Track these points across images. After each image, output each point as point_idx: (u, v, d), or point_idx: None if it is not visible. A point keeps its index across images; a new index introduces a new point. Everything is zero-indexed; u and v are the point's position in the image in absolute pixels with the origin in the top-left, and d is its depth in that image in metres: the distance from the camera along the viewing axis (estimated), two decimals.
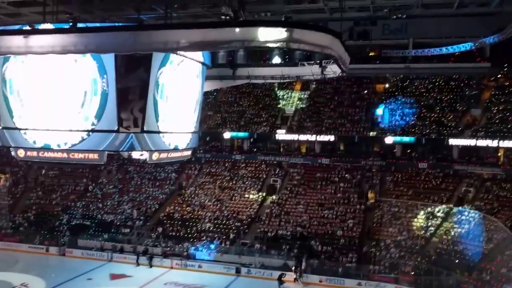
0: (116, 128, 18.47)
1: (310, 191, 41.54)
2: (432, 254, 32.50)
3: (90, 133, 18.73)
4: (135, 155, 20.82)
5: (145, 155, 20.33)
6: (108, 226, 40.07)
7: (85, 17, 22.73)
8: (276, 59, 27.71)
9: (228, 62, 30.41)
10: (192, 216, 40.47)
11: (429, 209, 36.53)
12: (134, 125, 18.64)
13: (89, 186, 46.68)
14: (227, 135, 48.33)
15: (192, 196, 43.20)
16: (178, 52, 19.23)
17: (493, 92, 45.46)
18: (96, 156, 19.12)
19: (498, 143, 39.37)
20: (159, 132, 20.14)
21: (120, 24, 22.59)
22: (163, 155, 21.23)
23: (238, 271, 32.90)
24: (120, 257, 35.77)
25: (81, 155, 19.09)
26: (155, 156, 20.42)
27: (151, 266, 34.27)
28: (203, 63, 24.30)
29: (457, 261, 30.88)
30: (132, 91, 18.56)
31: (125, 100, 18.51)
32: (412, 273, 30.52)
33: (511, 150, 39.80)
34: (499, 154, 40.97)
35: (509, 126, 40.61)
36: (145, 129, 18.80)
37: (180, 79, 21.84)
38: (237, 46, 18.39)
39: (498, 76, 46.67)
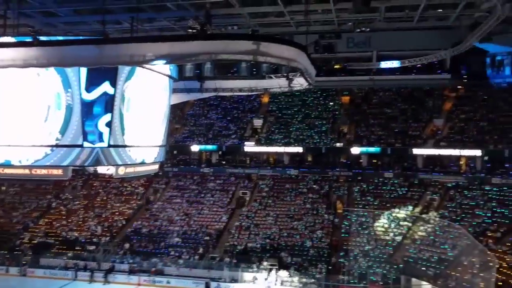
0: (81, 143, 18.10)
1: (279, 203, 41.64)
2: (400, 263, 33.00)
3: (54, 148, 18.27)
4: (101, 170, 20.47)
5: (111, 170, 19.99)
6: (72, 243, 38.88)
7: (47, 30, 22.28)
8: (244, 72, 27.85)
9: (195, 75, 30.38)
10: (160, 231, 39.80)
11: (395, 218, 37.15)
12: (99, 140, 18.31)
13: (53, 203, 45.29)
14: (195, 148, 48.02)
15: (160, 210, 42.54)
16: (144, 65, 19.08)
17: (454, 103, 46.98)
18: (60, 171, 18.67)
19: (460, 152, 40.64)
20: (125, 146, 19.84)
21: (84, 37, 22.25)
22: (130, 170, 20.92)
23: (207, 286, 32.44)
24: (85, 275, 34.67)
25: (44, 171, 18.59)
26: (121, 170, 20.10)
27: (105, 283, 33.48)
28: (170, 76, 24.18)
29: (423, 268, 31.45)
30: (98, 105, 18.26)
31: (90, 114, 18.19)
32: (381, 282, 30.85)
33: (472, 158, 41.06)
34: (461, 163, 42.26)
35: (470, 135, 41.95)
36: (111, 143, 18.50)
37: (146, 92, 21.64)
38: (204, 59, 18.39)
39: (458, 87, 48.37)
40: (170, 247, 37.44)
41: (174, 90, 26.99)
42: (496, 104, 44.36)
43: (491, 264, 20.06)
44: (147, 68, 20.46)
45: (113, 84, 18.18)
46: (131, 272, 34.59)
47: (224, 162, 48.44)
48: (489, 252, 22.90)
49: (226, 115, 51.70)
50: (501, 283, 25.87)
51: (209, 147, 48.29)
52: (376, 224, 37.00)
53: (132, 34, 20.51)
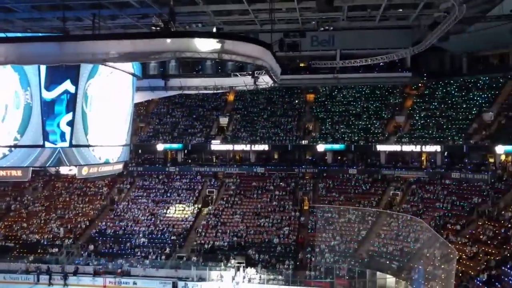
0: (41, 143, 17.62)
1: (246, 201, 41.72)
2: (365, 257, 33.69)
3: (13, 148, 17.68)
4: (63, 170, 20.01)
5: (74, 170, 19.57)
6: (33, 246, 37.74)
7: (5, 26, 21.55)
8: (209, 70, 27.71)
9: (159, 73, 30.02)
10: (125, 231, 39.17)
11: (360, 213, 37.90)
12: (61, 139, 17.87)
13: (12, 205, 43.83)
14: (160, 147, 47.48)
15: (125, 211, 41.86)
16: (107, 63, 18.73)
17: (414, 100, 48.26)
18: (19, 172, 18.12)
19: (421, 148, 41.81)
20: (88, 146, 19.44)
21: (44, 34, 21.65)
22: (94, 170, 20.53)
23: (175, 286, 32.20)
24: (48, 279, 33.73)
25: (2, 172, 18.01)
26: (84, 170, 19.71)
27: (65, 286, 32.77)
28: (133, 74, 23.84)
29: (387, 262, 32.23)
30: (59, 103, 17.81)
31: (51, 113, 17.73)
32: (347, 277, 31.42)
33: (433, 154, 42.32)
34: (422, 158, 43.47)
35: (431, 131, 43.23)
36: (73, 143, 18.10)
37: (110, 90, 21.27)
38: (168, 57, 18.22)
39: (419, 85, 49.73)
40: (136, 248, 36.93)
41: (138, 89, 26.65)
42: (454, 101, 45.85)
43: (451, 256, 20.77)
44: (110, 66, 20.09)
45: (75, 83, 17.79)
46: (96, 274, 33.93)
47: (190, 161, 48.12)
48: (449, 244, 23.69)
49: (191, 114, 51.34)
50: (461, 274, 26.85)
51: (175, 146, 47.86)
52: (342, 219, 37.63)
53: (94, 31, 20.09)
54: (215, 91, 37.47)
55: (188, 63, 45.96)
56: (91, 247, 37.09)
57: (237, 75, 29.81)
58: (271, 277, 32.29)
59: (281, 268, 33.26)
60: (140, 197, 43.46)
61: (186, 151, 48.65)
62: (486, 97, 44.29)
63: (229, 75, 30.58)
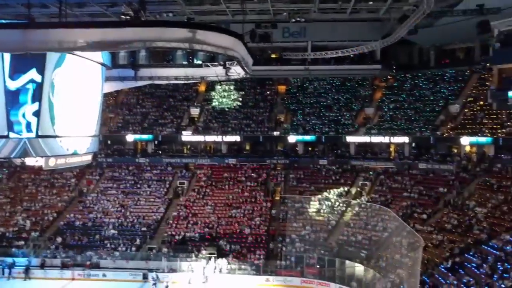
0: (6, 134, 17.10)
1: (217, 192, 41.70)
2: (335, 246, 34.27)
3: None
4: (29, 161, 19.47)
5: (40, 161, 19.09)
6: None
7: None
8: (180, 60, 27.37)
9: (129, 62, 29.52)
10: (94, 223, 38.61)
11: (330, 203, 38.46)
12: (27, 130, 17.39)
13: None
14: (130, 138, 46.86)
15: (94, 202, 41.20)
16: (75, 52, 18.30)
17: (383, 92, 49.07)
18: None
19: (390, 139, 42.64)
20: (55, 137, 19.00)
21: (7, 21, 20.92)
22: (61, 161, 20.09)
23: (145, 277, 32.00)
24: (14, 272, 32.98)
25: None
26: (52, 162, 19.25)
27: (26, 279, 32.15)
28: (102, 64, 23.37)
29: (356, 250, 32.87)
30: (24, 93, 17.29)
31: (16, 103, 17.20)
32: (317, 266, 31.90)
33: (401, 145, 43.20)
34: (390, 149, 44.35)
35: (399, 123, 44.09)
36: (39, 133, 17.63)
37: (78, 80, 20.80)
38: (138, 47, 17.95)
39: (388, 77, 50.56)
40: (105, 240, 36.48)
41: (107, 78, 26.14)
42: (422, 93, 46.85)
43: (418, 244, 21.37)
44: (78, 55, 19.63)
45: (41, 72, 17.29)
46: (64, 266, 33.38)
47: (160, 152, 47.70)
48: (416, 233, 24.35)
49: (161, 104, 50.78)
50: (426, 262, 27.67)
51: (145, 136, 47.31)
52: (312, 209, 38.12)
53: (60, 19, 19.53)
54: (186, 82, 37.19)
55: (158, 53, 45.34)
56: (59, 239, 36.43)
57: (209, 66, 29.55)
58: (242, 267, 32.48)
59: (252, 258, 33.48)
60: (109, 189, 42.85)
61: (156, 142, 48.16)
62: (452, 90, 45.43)
63: (200, 66, 30.29)
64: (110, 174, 44.87)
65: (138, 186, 42.95)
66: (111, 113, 49.84)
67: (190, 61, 30.59)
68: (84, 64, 21.10)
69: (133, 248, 35.33)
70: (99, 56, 22.34)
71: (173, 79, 32.48)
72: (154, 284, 30.41)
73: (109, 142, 47.85)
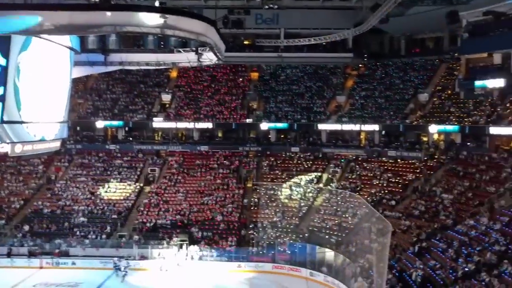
0: None
1: (189, 179, 41.51)
2: (306, 232, 34.72)
3: None
4: None
5: (6, 148, 18.56)
6: None
7: None
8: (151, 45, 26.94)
9: (99, 47, 28.89)
10: (63, 211, 37.92)
11: (301, 190, 38.86)
12: None
13: None
14: (99, 124, 46.02)
15: (63, 190, 40.40)
16: (41, 35, 17.77)
17: (355, 80, 49.60)
18: None
19: (360, 127, 43.24)
20: (22, 122, 18.50)
21: None
22: (28, 147, 19.60)
23: (116, 265, 31.67)
24: None
25: None
26: (18, 148, 18.76)
27: None
28: (71, 48, 22.81)
29: (327, 236, 33.41)
30: None
31: None
32: (288, 251, 32.28)
33: (371, 133, 43.87)
34: (361, 137, 44.99)
35: (369, 111, 44.70)
36: (5, 119, 17.13)
37: (45, 64, 20.25)
38: (108, 31, 17.57)
39: (359, 66, 51.11)
40: (75, 227, 35.92)
41: (76, 63, 25.53)
42: (392, 82, 47.57)
43: (386, 229, 21.84)
44: (44, 39, 19.06)
45: (5, 55, 16.73)
46: (32, 255, 32.73)
47: (131, 139, 47.04)
48: (385, 219, 24.88)
49: (132, 90, 49.97)
50: (394, 247, 28.38)
51: (115, 123, 46.53)
52: (283, 196, 38.45)
53: (26, 1, 18.87)
54: (157, 67, 36.66)
55: (129, 37, 44.48)
56: (26, 227, 35.66)
57: (180, 51, 29.22)
58: (214, 254, 32.58)
59: (224, 245, 33.60)
60: (79, 176, 42.07)
61: (127, 128, 47.44)
62: (421, 79, 46.31)
63: (172, 51, 29.90)
64: (79, 161, 44.04)
65: (109, 173, 42.33)
66: (80, 99, 48.76)
67: (162, 46, 30.18)
68: (52, 48, 20.53)
69: (104, 236, 34.92)
70: (67, 40, 21.77)
71: (144, 65, 32.01)
72: (118, 269, 30.17)
73: (78, 128, 46.88)
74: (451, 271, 23.45)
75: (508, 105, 36.25)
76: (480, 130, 36.34)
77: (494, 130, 34.69)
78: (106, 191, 39.84)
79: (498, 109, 36.26)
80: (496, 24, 36.37)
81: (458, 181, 33.16)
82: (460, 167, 35.05)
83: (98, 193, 39.67)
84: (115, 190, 40.12)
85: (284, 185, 39.27)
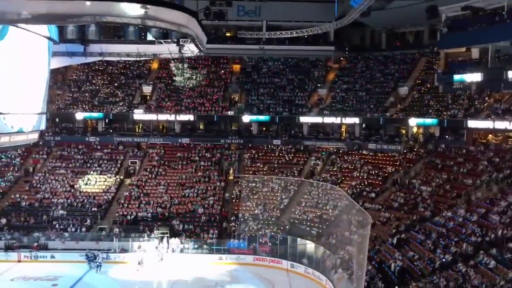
0: None
1: (170, 171, 41.29)
2: (287, 224, 34.94)
3: None
4: None
5: None
6: None
7: None
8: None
9: (78, 37, 28.41)
10: (41, 204, 37.37)
11: (283, 182, 39.02)
12: None
13: None
14: (79, 115, 45.40)
15: (41, 182, 39.79)
16: (18, 24, 17.39)
17: (336, 74, 49.86)
18: None
19: (341, 120, 43.54)
20: None
21: None
22: (5, 139, 19.25)
23: (95, 257, 31.34)
24: None
25: None
26: None
27: None
28: (49, 38, 22.38)
29: (308, 228, 33.69)
30: None
31: None
32: (269, 244, 32.46)
33: (352, 126, 44.24)
34: (342, 130, 45.33)
35: (350, 104, 45.03)
36: None
37: (22, 54, 19.84)
38: (88, 21, 17.31)
39: (341, 59, 51.38)
40: (54, 220, 35.45)
41: (55, 54, 25.13)
42: (373, 75, 47.97)
43: (366, 221, 22.12)
44: (22, 28, 18.66)
45: None
46: (9, 248, 32.18)
47: (111, 131, 46.52)
48: (365, 211, 25.18)
49: (112, 81, 49.35)
50: (374, 238, 28.78)
51: (95, 114, 45.96)
52: (265, 189, 38.57)
53: None
54: (138, 59, 36.24)
55: (109, 28, 43.86)
56: (3, 220, 35.04)
57: (162, 43, 28.95)
58: (195, 246, 32.55)
59: (205, 237, 33.60)
60: (58, 168, 41.45)
61: (107, 120, 46.91)
62: (402, 72, 46.79)
63: (153, 42, 29.60)
64: (58, 153, 43.37)
65: (88, 165, 41.82)
66: (59, 90, 47.98)
67: (143, 37, 29.85)
68: (29, 38, 20.11)
69: (83, 229, 34.55)
70: (46, 29, 21.36)
71: (124, 56, 31.64)
72: (91, 260, 29.99)
73: (57, 120, 46.16)
74: (429, 262, 23.91)
75: (486, 98, 36.93)
76: (458, 123, 36.96)
77: (471, 123, 35.32)
78: (86, 184, 39.39)
79: (476, 103, 36.91)
80: (474, 19, 36.92)
81: (437, 174, 33.71)
82: (438, 160, 35.63)
83: (77, 185, 39.20)
84: (95, 183, 39.70)
85: (266, 178, 39.38)
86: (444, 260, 23.23)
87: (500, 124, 32.73)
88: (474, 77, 37.24)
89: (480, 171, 30.99)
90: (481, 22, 36.49)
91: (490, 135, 36.13)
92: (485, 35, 35.91)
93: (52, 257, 31.60)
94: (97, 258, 30.13)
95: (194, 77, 39.96)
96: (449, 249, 23.96)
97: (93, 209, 36.84)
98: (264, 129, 46.80)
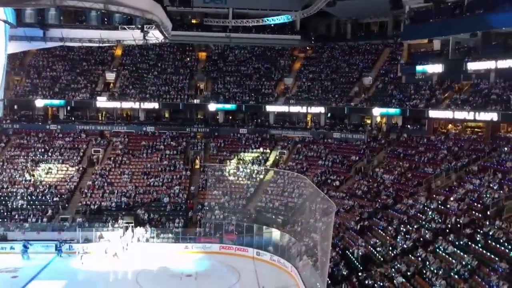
0: None
1: (135, 160, 40.66)
2: (253, 213, 35.12)
3: None
4: None
5: None
6: None
7: None
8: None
9: (37, 21, 27.47)
10: (0, 194, 36.14)
11: (249, 171, 39.13)
12: None
13: None
14: (39, 103, 43.99)
15: None
16: None
17: (302, 63, 50.13)
18: None
19: (307, 109, 43.89)
20: None
21: None
22: None
23: (58, 248, 30.67)
24: None
25: None
26: None
27: None
28: (5, 21, 21.47)
29: (273, 216, 33.97)
30: None
31: None
32: (235, 232, 32.55)
33: (317, 115, 44.67)
34: (307, 119, 45.73)
35: (316, 93, 45.42)
36: None
37: None
38: (47, 4, 16.67)
39: (307, 48, 51.64)
40: (13, 211, 34.36)
41: (12, 38, 24.15)
42: (338, 65, 48.49)
43: (331, 209, 22.48)
44: None
45: None
46: None
47: (73, 118, 45.35)
48: (329, 199, 25.56)
49: (74, 68, 47.96)
50: (338, 226, 29.34)
51: (56, 102, 44.66)
52: (232, 177, 38.57)
53: None
54: (100, 45, 35.33)
55: (70, 12, 42.49)
56: None
57: (125, 29, 28.32)
58: (161, 235, 32.28)
59: (171, 226, 33.37)
60: (17, 157, 40.10)
61: (69, 107, 45.67)
62: (366, 62, 47.49)
63: (116, 28, 28.91)
64: (17, 141, 41.92)
65: (49, 154, 40.62)
66: (17, 76, 46.29)
67: (106, 23, 29.12)
68: None
69: (45, 219, 33.66)
70: (1, 12, 20.47)
71: (86, 42, 30.82)
72: (60, 250, 29.48)
73: (15, 107, 44.62)
74: (391, 248, 24.57)
75: (446, 89, 37.98)
76: (419, 113, 37.94)
77: (432, 113, 36.33)
78: (47, 173, 38.31)
79: (437, 94, 37.92)
80: (436, 11, 37.81)
81: (399, 162, 34.57)
82: (400, 149, 36.52)
83: (38, 175, 38.08)
84: (57, 172, 38.68)
85: (232, 167, 39.37)
86: (405, 246, 23.91)
87: (459, 114, 33.84)
88: (436, 68, 38.26)
89: (440, 159, 31.98)
90: (443, 14, 37.43)
91: (450, 125, 37.31)
92: (446, 27, 36.86)
93: (12, 248, 30.65)
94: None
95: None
96: (410, 235, 24.67)
97: (54, 199, 35.91)
98: (230, 118, 46.68)
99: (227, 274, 27.56)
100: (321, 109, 43.63)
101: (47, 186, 37.03)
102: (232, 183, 38.27)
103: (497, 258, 19.10)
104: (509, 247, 19.32)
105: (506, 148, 28.92)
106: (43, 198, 36.03)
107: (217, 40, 50.45)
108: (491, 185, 25.33)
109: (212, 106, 44.88)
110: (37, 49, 43.27)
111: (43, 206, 35.05)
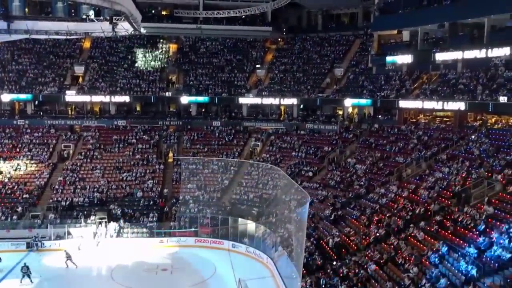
0: None
1: (106, 155, 40.03)
2: (227, 205, 35.12)
3: None
4: None
5: None
6: None
7: None
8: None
9: (1, 13, 26.60)
10: None
11: (223, 163, 39.05)
12: None
13: None
14: (5, 97, 42.81)
15: None
16: None
17: (274, 55, 50.16)
18: None
19: (280, 100, 44.00)
20: None
21: None
22: None
23: (29, 246, 30.04)
24: None
25: None
26: None
27: None
28: None
29: (248, 208, 34.04)
30: None
31: None
32: (210, 225, 32.49)
33: (290, 107, 44.85)
34: (280, 111, 45.85)
35: (288, 85, 45.57)
36: None
37: None
38: None
39: (278, 40, 51.67)
40: None
41: None
42: (310, 56, 48.72)
43: (305, 200, 22.66)
44: None
45: None
46: None
47: (41, 113, 44.28)
48: (303, 190, 25.74)
49: (41, 61, 46.72)
50: (312, 216, 29.63)
51: (23, 96, 43.49)
52: (206, 170, 38.42)
53: None
54: (68, 37, 34.47)
55: (35, 3, 41.30)
56: None
57: (94, 20, 27.71)
58: (135, 230, 31.96)
59: (145, 221, 33.06)
60: None
61: (37, 102, 44.56)
62: (337, 54, 47.86)
63: (84, 20, 28.26)
64: None
65: (17, 150, 39.61)
66: None
67: (73, 14, 28.44)
68: None
69: (15, 217, 32.83)
70: None
71: (53, 34, 30.00)
72: (34, 244, 28.96)
73: None
74: (364, 236, 24.99)
75: (415, 79, 38.65)
76: (390, 103, 38.51)
77: (402, 103, 36.93)
78: (15, 170, 37.33)
79: (406, 84, 38.57)
80: (405, 2, 38.36)
81: (370, 152, 35.09)
82: (372, 139, 37.06)
83: (6, 171, 37.06)
84: (26, 168, 37.73)
85: (206, 159, 39.21)
86: (378, 234, 24.35)
87: (429, 104, 34.51)
88: (405, 59, 38.85)
89: (411, 149, 32.60)
90: (411, 5, 38.00)
91: (420, 115, 38.03)
92: (414, 18, 37.47)
93: None
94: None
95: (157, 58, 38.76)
96: (383, 223, 25.13)
97: (24, 195, 35.06)
98: (203, 110, 46.41)
99: (202, 267, 27.52)
100: (293, 101, 43.81)
101: (16, 182, 36.11)
102: (206, 176, 38.14)
103: (466, 244, 19.65)
104: (477, 232, 19.89)
105: (473, 137, 29.67)
106: (12, 195, 35.12)
107: (188, 31, 49.96)
108: (459, 172, 25.98)
109: (185, 99, 44.52)
110: (2, 42, 41.91)
111: (12, 203, 34.17)
